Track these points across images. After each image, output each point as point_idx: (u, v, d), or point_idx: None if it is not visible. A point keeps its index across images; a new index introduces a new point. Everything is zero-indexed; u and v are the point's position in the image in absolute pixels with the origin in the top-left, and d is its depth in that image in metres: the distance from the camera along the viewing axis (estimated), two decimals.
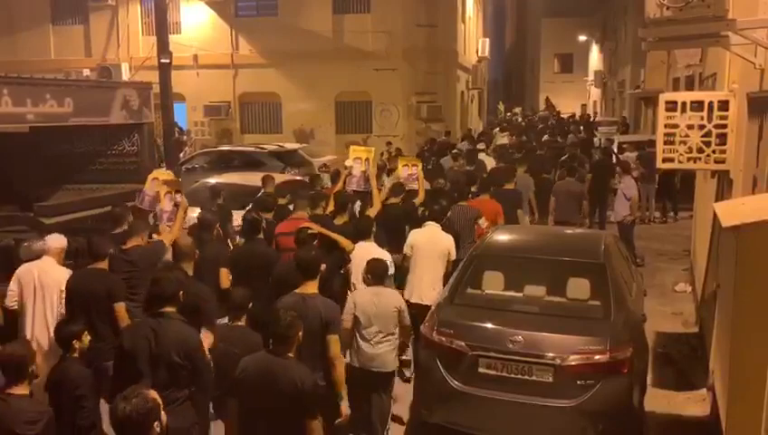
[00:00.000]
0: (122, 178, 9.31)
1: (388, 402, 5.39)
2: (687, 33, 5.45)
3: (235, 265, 6.34)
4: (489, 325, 5.36)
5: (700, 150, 6.28)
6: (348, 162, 8.59)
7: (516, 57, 60.04)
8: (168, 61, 12.78)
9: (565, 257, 6.04)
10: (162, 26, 13.10)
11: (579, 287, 5.56)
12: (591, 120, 31.36)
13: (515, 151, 15.67)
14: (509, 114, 42.00)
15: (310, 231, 6.30)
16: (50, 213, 7.82)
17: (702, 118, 6.23)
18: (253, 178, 10.49)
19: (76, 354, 4.35)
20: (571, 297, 5.55)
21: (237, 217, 8.15)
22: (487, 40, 32.10)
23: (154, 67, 13.35)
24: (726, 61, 6.76)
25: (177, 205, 6.94)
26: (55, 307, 5.66)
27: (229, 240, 7.82)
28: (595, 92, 42.33)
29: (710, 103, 6.22)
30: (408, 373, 6.65)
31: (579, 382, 4.92)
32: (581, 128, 25.11)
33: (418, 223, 7.37)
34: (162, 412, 2.98)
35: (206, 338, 4.65)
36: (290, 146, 16.44)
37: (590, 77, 41.15)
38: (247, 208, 8.44)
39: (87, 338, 4.42)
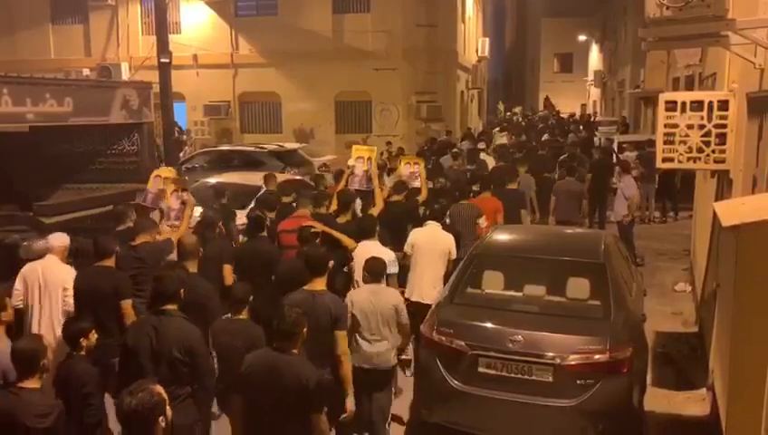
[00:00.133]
0: (122, 177, 9.33)
1: (388, 398, 5.42)
2: (687, 33, 5.44)
3: (239, 263, 6.40)
4: (489, 325, 5.36)
5: (700, 150, 6.29)
6: (350, 162, 8.63)
7: (516, 57, 60.03)
8: (167, 60, 12.79)
9: (565, 257, 6.03)
10: (162, 26, 13.11)
11: (579, 287, 5.56)
12: (592, 119, 31.37)
13: (516, 151, 15.67)
14: (509, 114, 41.99)
15: (312, 229, 6.32)
16: (49, 212, 7.84)
17: (702, 118, 6.24)
18: (252, 178, 10.50)
19: (83, 352, 4.39)
20: (570, 297, 5.55)
21: (241, 216, 8.19)
22: (487, 40, 32.09)
23: (154, 67, 13.36)
24: (726, 60, 6.76)
25: (184, 203, 7.03)
26: (59, 305, 5.71)
27: (233, 241, 7.84)
28: (595, 92, 42.32)
29: (710, 103, 6.23)
30: (407, 373, 6.65)
31: (578, 382, 4.91)
32: (581, 127, 25.12)
33: (420, 222, 7.39)
34: (168, 407, 3.02)
35: None
36: (290, 146, 16.45)
37: (590, 77, 41.15)
38: (250, 207, 8.46)
39: (94, 336, 4.47)
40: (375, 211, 7.62)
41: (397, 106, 22.05)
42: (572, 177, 11.03)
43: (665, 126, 6.40)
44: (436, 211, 7.31)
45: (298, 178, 11.56)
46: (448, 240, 6.91)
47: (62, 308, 5.70)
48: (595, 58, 42.49)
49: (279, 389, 3.84)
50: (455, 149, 15.36)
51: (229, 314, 5.04)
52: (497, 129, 26.60)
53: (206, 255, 5.98)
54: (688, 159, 6.35)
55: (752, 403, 3.48)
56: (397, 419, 5.81)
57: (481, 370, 5.15)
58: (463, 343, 5.22)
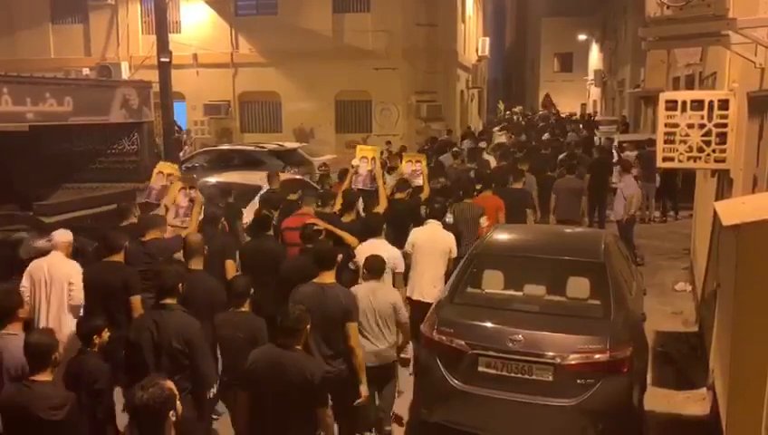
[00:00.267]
0: (122, 176, 9.34)
1: (392, 391, 5.52)
2: (688, 33, 5.44)
3: (244, 261, 6.45)
4: (489, 324, 5.35)
5: (700, 150, 6.28)
6: (354, 161, 8.68)
7: (516, 56, 60.04)
8: (167, 60, 12.80)
9: (565, 256, 6.03)
10: (162, 25, 13.11)
11: (579, 286, 5.55)
12: (592, 118, 31.37)
13: (517, 150, 15.67)
14: (509, 113, 42.01)
15: (315, 227, 6.33)
16: (49, 212, 7.84)
17: (702, 117, 6.23)
18: (252, 177, 10.49)
19: (96, 349, 4.42)
20: (570, 296, 5.55)
21: (248, 215, 8.21)
22: (487, 39, 32.07)
23: (154, 66, 13.37)
24: (726, 60, 6.76)
25: (192, 201, 7.04)
26: (65, 300, 5.75)
27: (238, 239, 7.85)
28: (595, 92, 42.32)
29: (710, 102, 6.22)
30: (407, 372, 6.64)
31: (578, 381, 4.91)
32: (581, 126, 25.11)
33: (421, 221, 7.41)
34: (177, 402, 3.07)
35: None
36: (289, 145, 16.44)
37: (590, 76, 41.16)
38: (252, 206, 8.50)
39: (107, 334, 4.51)
40: (379, 210, 7.67)
41: (397, 105, 22.04)
42: (572, 174, 11.02)
43: (665, 125, 6.40)
44: (436, 210, 7.31)
45: (298, 177, 11.57)
46: (449, 239, 6.92)
47: (67, 303, 5.74)
48: (595, 57, 42.49)
49: (284, 384, 3.90)
50: (455, 148, 15.36)
51: (232, 308, 5.07)
52: (497, 128, 26.62)
53: (209, 250, 6.00)
54: (689, 158, 6.35)
55: (752, 403, 3.48)
56: (397, 419, 5.81)
57: (481, 369, 5.15)
58: (463, 343, 5.22)
